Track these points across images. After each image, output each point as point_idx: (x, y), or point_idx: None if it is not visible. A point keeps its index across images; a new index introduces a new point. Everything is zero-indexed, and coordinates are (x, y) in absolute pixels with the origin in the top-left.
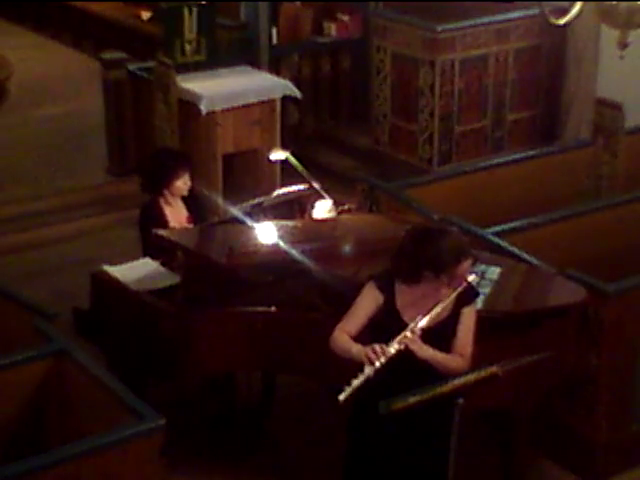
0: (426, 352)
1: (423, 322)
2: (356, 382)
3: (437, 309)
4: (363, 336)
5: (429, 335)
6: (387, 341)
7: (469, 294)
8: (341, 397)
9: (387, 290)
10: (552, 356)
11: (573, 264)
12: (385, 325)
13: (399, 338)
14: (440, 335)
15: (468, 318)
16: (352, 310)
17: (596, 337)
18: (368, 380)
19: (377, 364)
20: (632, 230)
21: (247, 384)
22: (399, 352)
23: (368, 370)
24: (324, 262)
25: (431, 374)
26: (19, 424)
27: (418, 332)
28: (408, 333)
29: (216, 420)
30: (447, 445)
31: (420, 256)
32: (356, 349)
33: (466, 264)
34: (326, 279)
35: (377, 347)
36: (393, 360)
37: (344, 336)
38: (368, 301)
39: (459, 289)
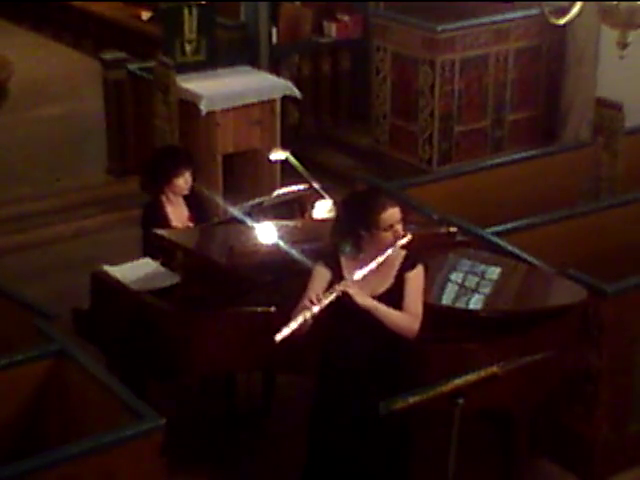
0: (365, 299)
1: (360, 273)
2: (293, 324)
3: (374, 263)
4: (321, 317)
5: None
6: (344, 314)
7: (410, 261)
8: (277, 337)
9: (334, 266)
10: (552, 356)
11: (573, 264)
12: (339, 300)
13: (336, 285)
14: (388, 302)
15: (413, 281)
16: (306, 292)
17: (596, 337)
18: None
19: (314, 309)
20: (632, 230)
21: (247, 384)
22: (342, 310)
23: (304, 313)
24: None
25: (385, 347)
26: (19, 424)
27: (355, 280)
28: (344, 281)
29: (216, 420)
30: (403, 447)
31: (351, 216)
32: (300, 306)
33: (391, 212)
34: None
35: (313, 295)
36: (344, 339)
37: None
38: (318, 281)
39: (397, 246)
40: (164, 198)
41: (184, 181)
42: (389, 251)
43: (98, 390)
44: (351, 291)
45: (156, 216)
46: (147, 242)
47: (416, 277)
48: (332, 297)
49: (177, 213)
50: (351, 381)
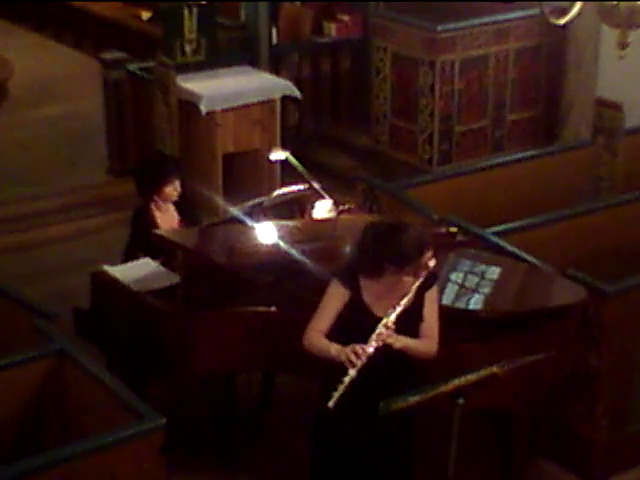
0: (402, 342)
1: (394, 316)
2: (342, 386)
3: (405, 300)
4: (334, 333)
5: (398, 322)
6: (360, 335)
7: (429, 279)
8: (330, 403)
9: (352, 285)
10: (552, 356)
11: (573, 264)
12: (356, 320)
13: (375, 336)
14: (408, 321)
15: (431, 301)
16: (320, 309)
17: (596, 337)
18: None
19: (359, 364)
20: (632, 230)
21: (247, 384)
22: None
23: (352, 372)
24: (324, 262)
25: (402, 367)
26: (19, 424)
27: (392, 326)
28: (383, 329)
29: (216, 420)
30: (410, 452)
31: (382, 252)
32: (335, 350)
33: (428, 255)
34: (326, 279)
35: (358, 348)
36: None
37: (319, 336)
38: (335, 298)
39: (423, 276)
40: (153, 205)
41: (173, 188)
42: (417, 282)
43: (98, 390)
44: (391, 340)
45: (145, 223)
46: (131, 247)
47: (433, 296)
48: (374, 349)
49: (166, 219)
50: (362, 393)
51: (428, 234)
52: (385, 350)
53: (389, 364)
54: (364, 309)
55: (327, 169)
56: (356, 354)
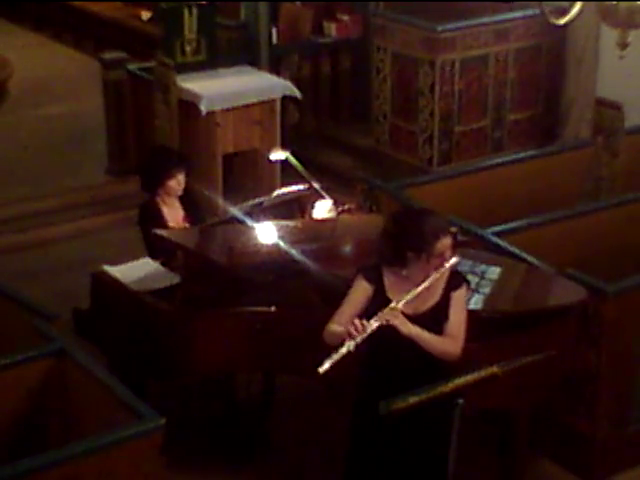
0: (410, 329)
1: (404, 300)
2: (336, 355)
3: (420, 288)
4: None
5: (421, 321)
6: (384, 330)
7: (457, 279)
8: (321, 369)
9: (376, 281)
10: (552, 356)
11: (573, 264)
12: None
13: (381, 314)
14: (432, 320)
15: (458, 301)
16: (343, 304)
17: (596, 337)
18: (367, 380)
19: (358, 339)
20: (632, 230)
21: (247, 384)
22: (383, 329)
23: (348, 344)
24: (324, 262)
25: (428, 366)
26: (19, 424)
27: (400, 308)
28: (389, 309)
29: (216, 420)
30: (447, 446)
31: (402, 236)
32: (341, 329)
33: (444, 241)
34: (326, 279)
35: (357, 322)
36: (389, 355)
37: (334, 324)
38: (358, 293)
39: (443, 270)
40: (159, 199)
41: (177, 182)
42: (436, 275)
43: (98, 390)
44: (396, 321)
45: (152, 217)
46: (149, 242)
47: (461, 297)
48: (376, 326)
49: (172, 214)
50: (396, 425)
51: (447, 222)
52: (415, 353)
53: (420, 369)
54: (386, 304)
55: (327, 169)
56: (355, 327)
